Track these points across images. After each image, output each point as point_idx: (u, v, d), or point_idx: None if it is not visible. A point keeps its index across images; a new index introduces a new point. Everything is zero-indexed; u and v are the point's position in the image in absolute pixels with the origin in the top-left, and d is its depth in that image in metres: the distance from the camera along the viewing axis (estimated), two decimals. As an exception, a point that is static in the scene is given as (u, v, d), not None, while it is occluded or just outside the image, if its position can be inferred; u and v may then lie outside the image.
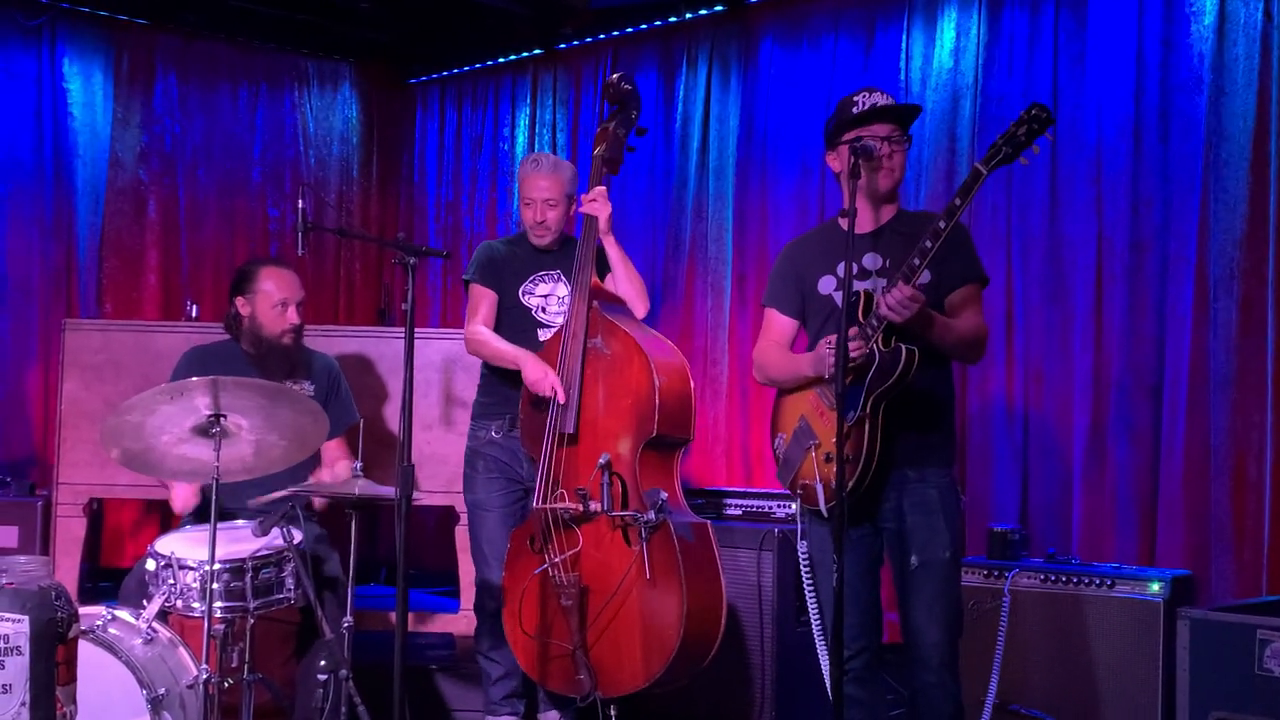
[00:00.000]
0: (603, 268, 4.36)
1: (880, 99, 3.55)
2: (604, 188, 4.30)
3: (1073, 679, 4.27)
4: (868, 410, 3.37)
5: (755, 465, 5.94)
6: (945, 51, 5.46)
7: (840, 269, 3.56)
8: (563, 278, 4.48)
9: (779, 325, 3.76)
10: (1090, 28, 5.04)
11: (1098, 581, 4.29)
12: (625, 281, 4.34)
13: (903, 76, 5.56)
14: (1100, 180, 4.96)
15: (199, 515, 4.26)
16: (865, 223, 3.55)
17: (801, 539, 4.28)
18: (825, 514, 3.47)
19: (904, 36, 5.60)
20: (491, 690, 4.52)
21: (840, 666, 3.28)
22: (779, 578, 4.54)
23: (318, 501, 4.32)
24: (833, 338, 3.37)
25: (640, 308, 4.33)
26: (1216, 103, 4.67)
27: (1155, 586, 4.20)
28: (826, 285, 3.63)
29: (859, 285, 3.48)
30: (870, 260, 3.55)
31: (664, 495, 3.89)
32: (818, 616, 4.23)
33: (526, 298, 4.50)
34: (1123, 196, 4.89)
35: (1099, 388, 4.92)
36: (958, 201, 3.27)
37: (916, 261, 3.29)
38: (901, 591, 3.55)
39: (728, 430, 6.13)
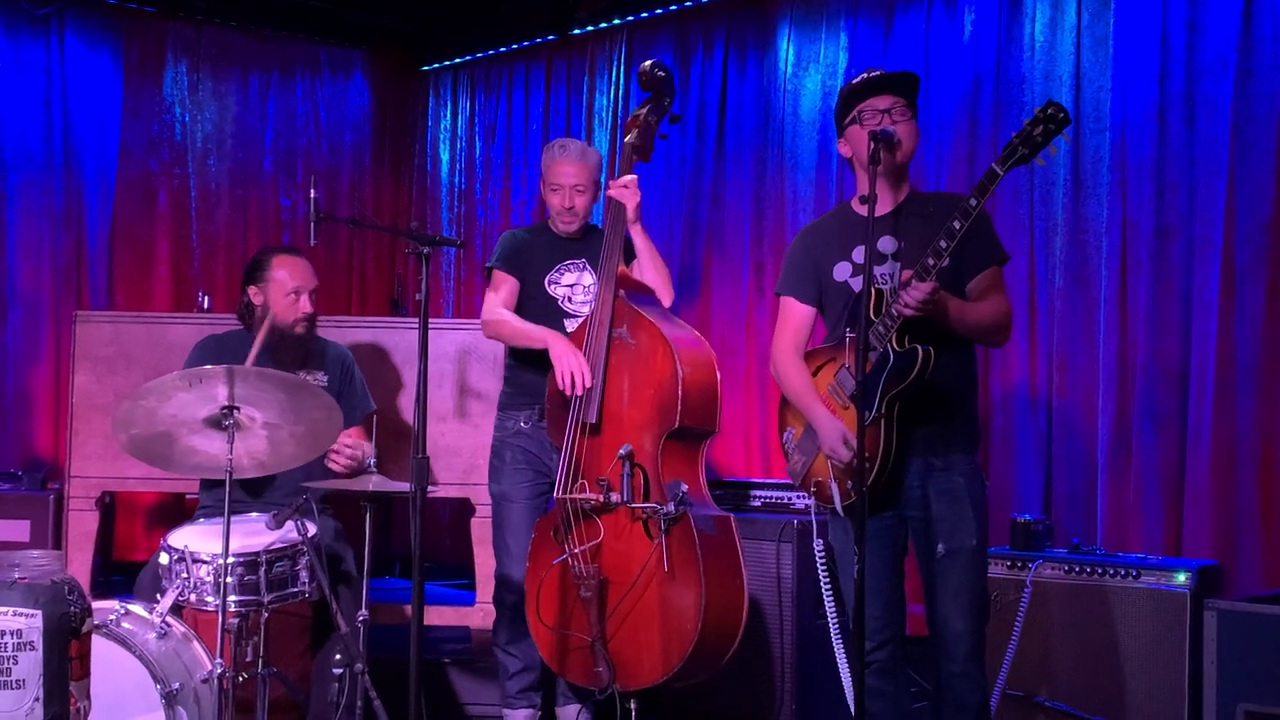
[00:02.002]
0: (627, 257, 4.31)
1: (877, 73, 3.51)
2: (634, 176, 4.25)
3: (1098, 671, 4.22)
4: (883, 410, 3.34)
5: (774, 456, 5.88)
6: (965, 35, 5.40)
7: (855, 255, 3.53)
8: (588, 266, 4.43)
9: (797, 314, 3.70)
10: (1114, 9, 4.97)
11: (1123, 572, 4.23)
12: (651, 271, 4.29)
13: (923, 60, 5.50)
14: (1124, 164, 4.90)
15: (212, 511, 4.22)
16: (882, 203, 3.49)
17: (818, 537, 4.25)
18: (841, 512, 3.48)
19: (924, 19, 5.54)
20: (509, 684, 4.49)
21: (862, 658, 3.23)
22: (799, 570, 4.49)
23: (340, 462, 4.23)
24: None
25: (665, 297, 4.28)
26: (1243, 85, 4.61)
27: (1182, 577, 4.13)
28: (842, 272, 3.58)
29: (875, 270, 3.42)
30: (886, 244, 3.50)
31: (685, 487, 3.85)
32: (834, 612, 4.19)
33: (552, 287, 4.45)
34: (1147, 181, 4.82)
35: (1124, 375, 4.87)
36: (973, 202, 3.22)
37: (931, 262, 3.26)
38: (927, 580, 3.51)
39: (745, 421, 6.09)
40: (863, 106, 3.48)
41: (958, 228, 3.22)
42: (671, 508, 3.82)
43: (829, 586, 4.24)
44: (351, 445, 4.20)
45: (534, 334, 4.28)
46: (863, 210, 3.36)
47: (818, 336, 3.76)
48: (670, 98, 4.33)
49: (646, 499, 3.91)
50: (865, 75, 3.53)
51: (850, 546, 3.52)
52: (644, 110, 4.31)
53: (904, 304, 3.26)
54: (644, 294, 4.19)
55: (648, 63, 4.35)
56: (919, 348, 3.30)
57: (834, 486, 3.46)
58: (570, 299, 4.46)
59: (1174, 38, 4.79)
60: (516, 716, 4.48)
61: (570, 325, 4.37)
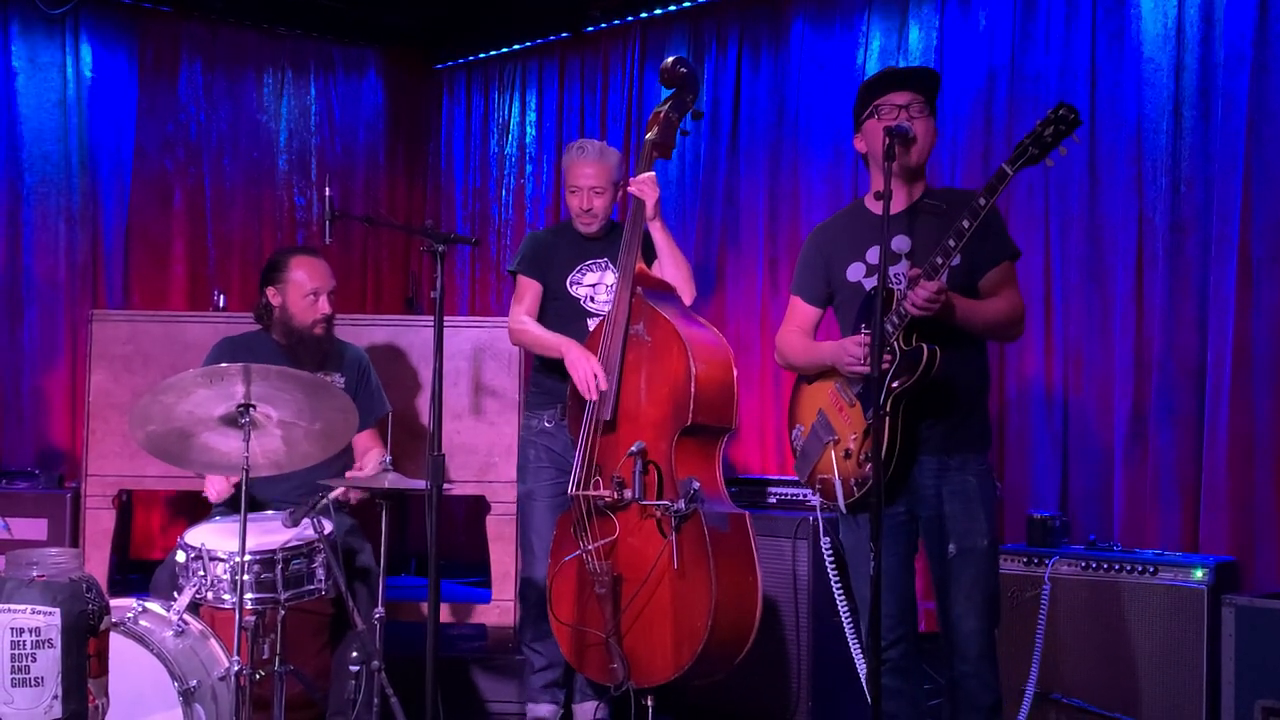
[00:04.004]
0: (648, 254, 4.31)
1: (897, 68, 3.51)
2: (653, 173, 4.25)
3: (1115, 668, 4.21)
4: (887, 409, 3.34)
5: (789, 453, 5.86)
6: (980, 29, 5.39)
7: (869, 255, 3.53)
8: (610, 266, 4.44)
9: (802, 313, 3.74)
10: (1129, 3, 4.95)
11: (1140, 568, 4.22)
12: (672, 267, 4.29)
13: (937, 55, 5.48)
14: (1140, 159, 4.88)
15: (231, 505, 4.23)
16: (896, 200, 3.48)
17: (825, 535, 4.25)
18: (844, 509, 3.49)
19: (938, 14, 5.52)
20: (533, 679, 4.51)
21: (878, 656, 3.23)
22: (815, 567, 4.48)
23: (354, 495, 4.29)
24: (863, 338, 3.37)
25: (687, 294, 4.28)
26: (1259, 79, 4.59)
27: (1199, 573, 4.12)
28: (855, 273, 3.59)
29: (888, 269, 3.43)
30: (899, 242, 3.51)
31: (697, 484, 3.84)
32: (846, 610, 4.19)
33: (574, 287, 4.46)
34: (1163, 176, 4.81)
35: (1140, 371, 4.85)
36: (982, 201, 3.24)
37: (939, 260, 3.27)
38: (939, 580, 3.51)
39: (761, 418, 6.08)
40: (881, 101, 3.48)
41: (966, 227, 3.24)
42: (682, 505, 3.81)
43: (839, 585, 4.24)
44: (370, 463, 4.21)
45: (550, 342, 4.30)
46: (877, 207, 3.36)
47: (822, 336, 3.76)
48: (693, 94, 4.31)
49: (660, 496, 3.91)
50: (885, 70, 3.54)
51: (860, 545, 3.52)
52: (665, 107, 4.30)
53: (910, 303, 3.26)
54: (662, 291, 4.19)
55: (670, 59, 4.34)
56: (924, 346, 3.30)
57: (838, 484, 3.47)
58: (593, 298, 4.46)
59: (1190, 32, 4.77)
60: (539, 710, 4.50)
61: (592, 324, 4.38)
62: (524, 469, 4.53)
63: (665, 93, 4.35)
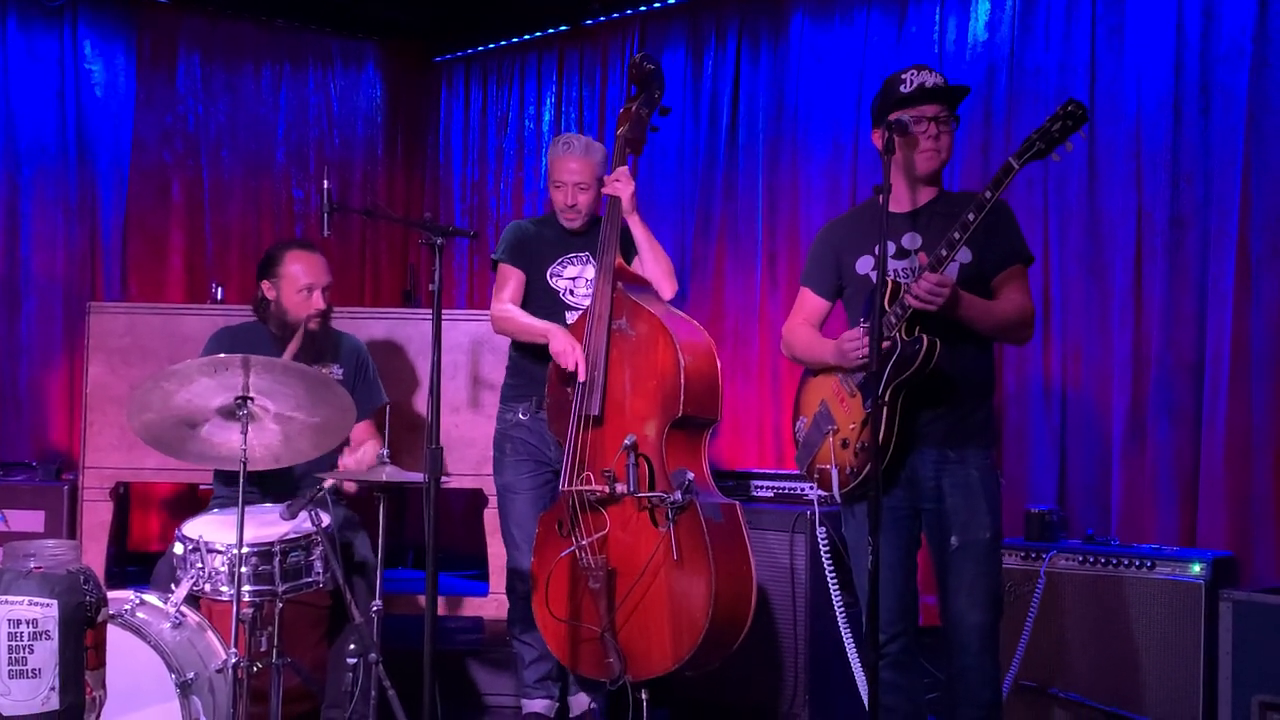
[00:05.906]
0: (628, 249, 4.32)
1: (929, 78, 3.49)
2: (626, 167, 4.25)
3: (1112, 662, 4.21)
4: (885, 398, 3.34)
5: (786, 447, 5.88)
6: (980, 24, 5.39)
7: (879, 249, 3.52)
8: (591, 260, 4.44)
9: (811, 305, 3.77)
10: (1128, -2, 4.96)
11: (1138, 563, 4.22)
12: (652, 263, 4.30)
13: (937, 49, 5.48)
14: (1140, 154, 4.88)
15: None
16: (904, 201, 3.55)
17: (820, 525, 4.26)
18: (839, 499, 3.52)
19: (938, 9, 5.52)
20: (525, 674, 4.50)
21: (877, 650, 3.23)
22: (812, 560, 4.49)
23: (349, 485, 4.28)
24: (855, 331, 3.42)
25: (667, 289, 4.29)
26: (1259, 74, 4.59)
27: (1196, 568, 4.12)
28: (865, 265, 3.61)
29: (897, 265, 3.48)
30: (910, 240, 3.53)
31: (690, 476, 3.85)
32: (841, 604, 4.20)
33: (555, 280, 4.46)
34: (1163, 171, 4.80)
35: (1138, 366, 4.85)
36: (988, 194, 3.26)
37: (944, 252, 3.29)
38: (941, 573, 3.51)
39: (759, 412, 6.08)
40: (914, 111, 3.45)
41: (971, 219, 3.25)
42: (678, 496, 3.82)
43: (835, 578, 4.24)
44: (367, 454, 4.19)
45: (536, 328, 4.31)
46: (890, 204, 3.37)
47: (830, 327, 3.76)
48: (660, 90, 4.31)
49: (652, 488, 3.91)
50: (920, 81, 3.49)
51: (862, 539, 3.52)
52: (635, 104, 4.31)
53: (913, 296, 3.27)
54: (642, 285, 4.21)
55: (637, 56, 4.37)
56: (924, 336, 3.32)
57: (834, 474, 3.48)
58: (572, 291, 4.46)
59: (1189, 27, 4.77)
60: (534, 705, 4.50)
61: (571, 318, 4.38)
62: (500, 463, 4.52)
63: (634, 89, 4.34)
